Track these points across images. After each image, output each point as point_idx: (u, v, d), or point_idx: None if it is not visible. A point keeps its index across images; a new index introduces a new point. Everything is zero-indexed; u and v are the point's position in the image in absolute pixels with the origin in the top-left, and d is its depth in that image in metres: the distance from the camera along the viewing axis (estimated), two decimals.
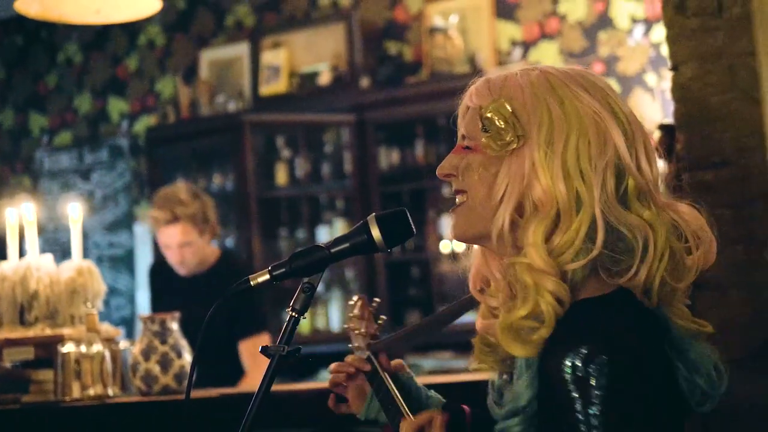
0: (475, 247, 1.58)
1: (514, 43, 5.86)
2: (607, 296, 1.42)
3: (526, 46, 5.83)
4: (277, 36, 6.28)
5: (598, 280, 1.43)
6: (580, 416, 1.33)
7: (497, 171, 1.45)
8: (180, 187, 4.14)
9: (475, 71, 5.55)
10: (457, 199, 1.52)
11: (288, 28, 6.30)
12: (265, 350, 1.49)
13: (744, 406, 2.20)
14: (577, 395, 1.33)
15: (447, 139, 5.71)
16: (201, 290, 3.96)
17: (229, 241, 6.14)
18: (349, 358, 1.89)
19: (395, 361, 1.88)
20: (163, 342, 2.90)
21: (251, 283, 1.51)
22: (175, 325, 2.94)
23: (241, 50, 6.41)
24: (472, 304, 1.71)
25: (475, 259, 1.58)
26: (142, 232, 6.78)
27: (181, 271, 4.05)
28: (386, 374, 1.82)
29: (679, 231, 1.46)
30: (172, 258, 4.03)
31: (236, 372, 3.96)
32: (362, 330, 1.90)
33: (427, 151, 5.75)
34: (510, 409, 1.42)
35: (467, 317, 1.78)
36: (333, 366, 1.90)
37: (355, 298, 1.96)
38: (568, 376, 1.34)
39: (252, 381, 3.82)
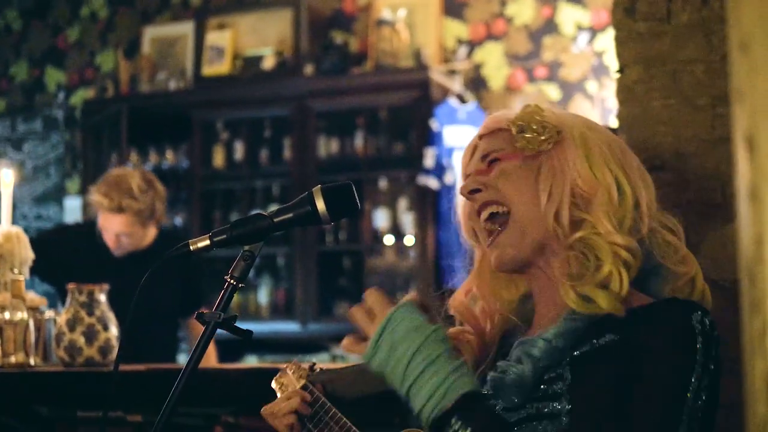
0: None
1: (460, 42, 5.88)
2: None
3: (472, 45, 5.86)
4: (223, 17, 6.22)
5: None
6: (698, 366, 1.38)
7: (537, 172, 1.49)
8: (133, 175, 3.79)
9: (420, 66, 5.58)
10: (490, 221, 1.51)
11: (234, 10, 6.25)
12: (200, 317, 1.46)
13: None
14: (701, 346, 1.39)
15: (387, 132, 5.71)
16: (133, 268, 3.59)
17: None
18: (283, 401, 1.69)
19: None
20: (90, 314, 2.85)
21: (191, 248, 1.49)
22: (102, 297, 2.89)
23: (185, 29, 6.33)
24: None
25: (479, 278, 1.60)
26: (72, 206, 6.66)
27: (116, 252, 3.81)
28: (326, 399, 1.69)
29: None
30: (108, 240, 3.80)
31: (170, 344, 3.98)
32: (294, 374, 1.73)
33: (367, 143, 5.74)
34: (540, 335, 1.45)
35: None
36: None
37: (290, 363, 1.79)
38: (696, 326, 1.40)
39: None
